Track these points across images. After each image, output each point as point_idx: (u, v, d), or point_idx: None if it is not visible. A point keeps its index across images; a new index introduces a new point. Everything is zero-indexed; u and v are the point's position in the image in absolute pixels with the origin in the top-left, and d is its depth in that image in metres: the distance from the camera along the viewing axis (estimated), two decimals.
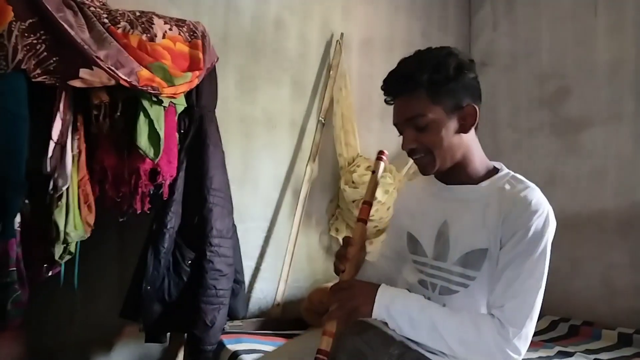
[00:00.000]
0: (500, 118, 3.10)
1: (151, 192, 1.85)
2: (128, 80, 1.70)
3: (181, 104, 1.94)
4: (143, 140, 1.77)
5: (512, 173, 1.20)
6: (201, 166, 1.95)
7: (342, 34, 2.76)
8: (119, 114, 1.79)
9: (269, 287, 2.48)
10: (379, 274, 1.34)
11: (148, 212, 1.86)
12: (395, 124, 1.20)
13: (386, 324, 1.09)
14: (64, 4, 1.67)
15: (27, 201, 1.66)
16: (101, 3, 1.88)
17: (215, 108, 2.10)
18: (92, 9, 1.75)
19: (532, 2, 2.93)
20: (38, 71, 1.62)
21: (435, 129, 1.13)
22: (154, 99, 1.80)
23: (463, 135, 1.16)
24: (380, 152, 1.34)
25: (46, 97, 1.71)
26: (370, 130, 2.86)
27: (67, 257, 1.76)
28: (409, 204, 1.33)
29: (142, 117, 1.78)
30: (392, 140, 1.69)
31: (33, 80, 1.60)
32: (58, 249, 1.71)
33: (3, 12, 1.54)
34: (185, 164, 1.95)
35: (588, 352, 2.05)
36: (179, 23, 1.99)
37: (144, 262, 1.84)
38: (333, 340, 1.08)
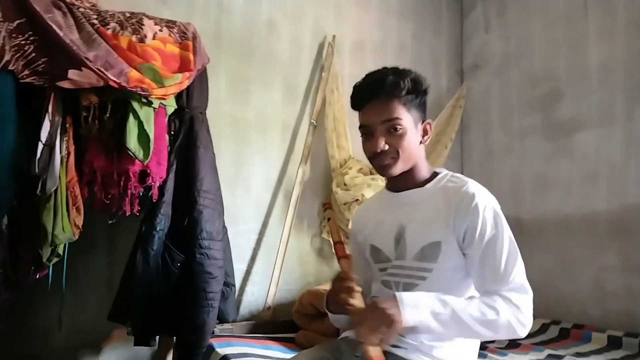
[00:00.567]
0: (491, 120, 3.10)
1: (141, 194, 1.84)
2: (117, 81, 1.69)
3: (171, 106, 1.93)
4: (132, 142, 1.76)
5: (451, 173, 1.34)
6: (191, 168, 1.94)
7: (334, 36, 2.76)
8: (108, 115, 1.78)
9: (259, 290, 2.46)
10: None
11: (137, 214, 1.85)
12: (366, 126, 1.28)
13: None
14: (53, 4, 1.67)
15: (15, 202, 1.65)
16: (91, 4, 1.87)
17: (206, 110, 2.09)
18: (81, 9, 1.75)
19: (523, 5, 2.94)
20: (26, 72, 1.61)
21: (405, 134, 1.25)
22: (144, 100, 1.80)
23: (420, 145, 1.31)
24: (326, 204, 1.47)
25: (35, 98, 1.70)
26: None
27: (55, 260, 1.75)
28: (366, 220, 1.44)
29: (131, 119, 1.77)
30: None
31: (21, 81, 1.59)
32: (46, 251, 1.69)
33: None
34: (175, 165, 1.94)
35: (578, 355, 2.05)
36: (170, 24, 1.99)
37: (133, 264, 1.82)
38: None
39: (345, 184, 2.56)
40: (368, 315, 1.10)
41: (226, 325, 2.15)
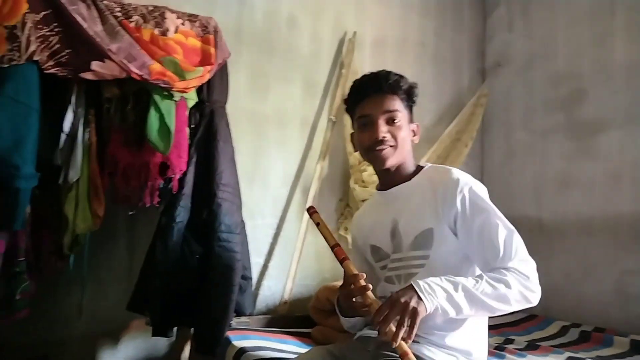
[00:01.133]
0: (513, 120, 3.06)
1: (161, 186, 1.86)
2: (139, 73, 1.71)
3: (192, 99, 1.94)
4: (153, 134, 1.78)
5: (432, 164, 1.43)
6: (211, 161, 1.95)
7: (354, 33, 2.74)
8: (130, 107, 1.81)
9: (276, 285, 2.47)
10: None
11: (157, 205, 1.86)
12: (367, 115, 1.35)
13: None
14: None
15: (37, 192, 1.67)
16: None
17: (226, 104, 2.10)
18: (105, 2, 1.77)
19: (548, 2, 2.89)
20: (51, 63, 1.63)
21: (402, 127, 1.35)
22: (165, 93, 1.82)
23: (410, 143, 1.40)
24: (310, 208, 1.46)
25: (58, 89, 1.72)
26: None
27: (76, 249, 1.77)
28: (363, 224, 1.52)
29: (153, 111, 1.79)
30: None
31: (45, 72, 1.62)
32: (67, 241, 1.72)
33: (17, 3, 1.56)
34: (195, 158, 1.95)
35: (599, 358, 2.01)
36: (192, 18, 2.00)
37: (152, 255, 1.84)
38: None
39: (363, 181, 2.55)
40: (389, 311, 1.09)
41: (243, 318, 2.15)
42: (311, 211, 1.43)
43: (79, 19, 1.64)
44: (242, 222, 2.06)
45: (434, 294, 1.11)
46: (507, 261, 1.21)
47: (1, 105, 1.52)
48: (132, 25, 1.79)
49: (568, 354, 2.05)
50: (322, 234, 1.36)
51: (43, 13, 1.61)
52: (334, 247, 1.31)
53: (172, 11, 1.94)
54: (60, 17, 1.63)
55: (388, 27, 2.95)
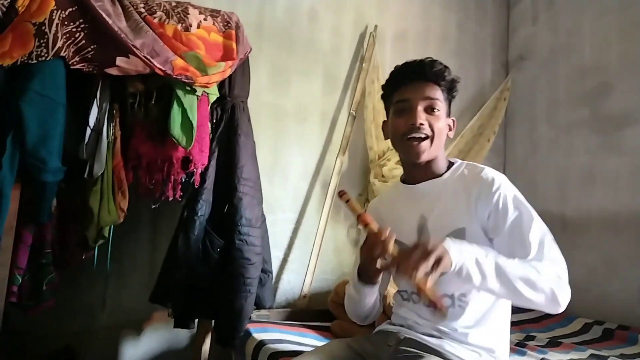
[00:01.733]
0: (537, 114, 3.01)
1: (183, 180, 1.88)
2: (163, 68, 1.72)
3: (214, 94, 1.95)
4: (176, 129, 1.80)
5: (465, 162, 1.37)
6: (232, 155, 1.97)
7: (375, 26, 2.73)
8: (153, 102, 1.83)
9: (296, 279, 2.49)
10: None
11: (180, 199, 1.88)
12: (406, 100, 1.30)
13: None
14: None
15: (63, 185, 1.71)
16: None
17: (247, 98, 2.11)
18: None
19: None
20: (77, 59, 1.66)
21: (441, 117, 1.30)
22: (188, 88, 1.83)
23: (445, 137, 1.34)
24: (341, 192, 1.39)
25: (84, 84, 1.75)
26: None
27: (101, 241, 1.81)
28: (382, 216, 1.41)
29: (175, 106, 1.81)
30: None
31: (71, 67, 1.64)
32: (92, 233, 1.76)
33: (45, 1, 1.59)
34: (217, 153, 1.97)
35: (623, 357, 1.98)
36: (214, 13, 2.01)
37: (175, 248, 1.87)
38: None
39: (383, 176, 2.54)
40: (414, 252, 1.06)
41: (263, 312, 2.18)
42: (341, 193, 1.37)
43: (104, 15, 1.66)
44: (263, 216, 2.08)
45: (461, 253, 1.09)
46: (538, 260, 1.17)
47: (29, 100, 1.55)
48: (155, 21, 1.81)
49: (590, 351, 2.02)
50: (350, 208, 1.29)
51: (69, 10, 1.63)
52: (360, 216, 1.25)
53: (195, 7, 1.96)
54: (86, 14, 1.65)
55: (410, 20, 2.92)
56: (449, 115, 1.35)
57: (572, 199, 2.74)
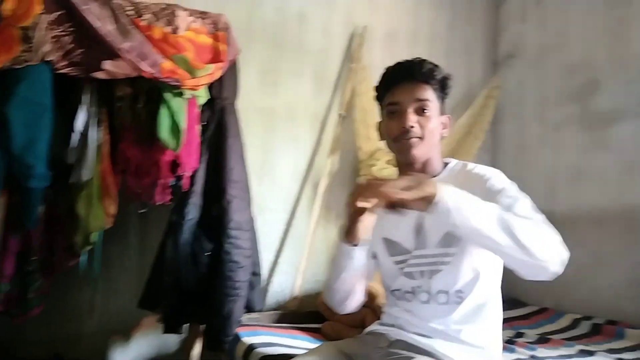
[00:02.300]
0: (526, 112, 3.03)
1: (172, 183, 1.87)
2: (151, 71, 1.71)
3: (203, 96, 1.94)
4: (164, 132, 1.79)
5: (460, 161, 1.36)
6: (221, 158, 1.96)
7: (365, 27, 2.72)
8: (141, 105, 1.81)
9: (286, 280, 2.49)
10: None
11: (168, 203, 1.88)
12: (396, 103, 1.30)
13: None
14: None
15: (50, 191, 1.69)
16: None
17: (236, 101, 2.10)
18: (117, 1, 1.77)
19: None
20: (64, 63, 1.63)
21: (432, 118, 1.29)
22: (176, 90, 1.81)
23: (439, 137, 1.33)
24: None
25: (71, 88, 1.74)
26: None
27: (89, 247, 1.79)
28: (380, 212, 1.34)
29: (163, 109, 1.79)
30: None
31: (58, 71, 1.63)
32: (79, 239, 1.74)
33: (32, 4, 1.56)
34: (206, 156, 1.96)
35: (611, 351, 2.00)
36: (202, 15, 1.99)
37: (163, 252, 1.87)
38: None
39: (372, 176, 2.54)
40: (407, 176, 1.09)
41: (253, 315, 2.17)
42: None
43: (91, 18, 1.64)
44: (252, 218, 2.07)
45: (451, 190, 1.07)
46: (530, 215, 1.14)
47: (15, 105, 1.53)
48: (143, 23, 1.79)
49: (579, 346, 2.05)
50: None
51: (56, 13, 1.61)
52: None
53: (183, 9, 1.94)
54: (73, 17, 1.63)
55: (399, 20, 2.92)
56: (443, 113, 1.34)
57: (561, 196, 2.76)
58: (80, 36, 1.65)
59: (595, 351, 1.98)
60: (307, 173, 2.59)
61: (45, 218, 1.70)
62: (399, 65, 1.33)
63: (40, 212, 1.66)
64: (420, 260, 1.30)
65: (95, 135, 1.77)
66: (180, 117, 1.82)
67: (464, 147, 2.97)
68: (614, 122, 2.52)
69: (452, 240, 1.25)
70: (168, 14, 1.88)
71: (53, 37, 1.61)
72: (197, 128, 1.94)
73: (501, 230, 1.05)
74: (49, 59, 1.60)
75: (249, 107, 2.35)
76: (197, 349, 2.05)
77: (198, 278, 1.89)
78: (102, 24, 1.68)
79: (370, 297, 2.03)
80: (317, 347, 1.42)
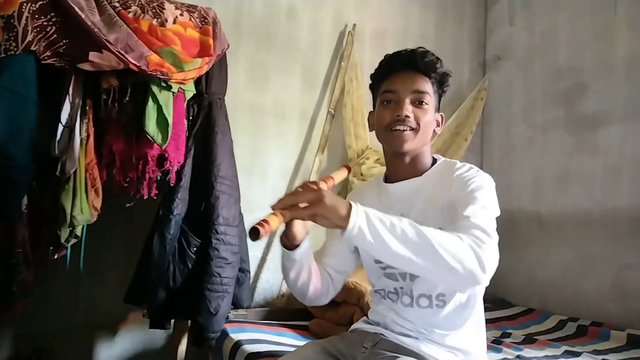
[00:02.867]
0: (514, 113, 3.05)
1: (158, 178, 1.85)
2: (137, 64, 1.69)
3: (190, 90, 1.93)
4: (151, 126, 1.77)
5: (447, 159, 1.32)
6: (209, 153, 1.94)
7: (354, 25, 2.73)
8: (127, 98, 1.79)
9: (274, 277, 2.47)
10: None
11: (155, 198, 1.85)
12: (393, 91, 1.25)
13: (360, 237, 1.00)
14: None
15: (34, 183, 1.66)
16: None
17: (224, 95, 2.09)
18: None
19: None
20: (48, 53, 1.61)
21: (429, 111, 1.25)
22: (163, 84, 1.80)
23: (432, 133, 1.29)
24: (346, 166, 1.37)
25: (55, 79, 1.71)
26: None
27: (73, 241, 1.76)
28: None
29: (150, 103, 1.78)
30: None
31: (43, 62, 1.60)
32: (64, 232, 1.71)
33: None
34: (193, 150, 1.94)
35: (596, 352, 2.01)
36: (190, 9, 1.98)
37: (150, 248, 1.84)
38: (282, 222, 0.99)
39: (362, 174, 2.54)
40: (317, 190, 1.00)
41: (240, 311, 2.16)
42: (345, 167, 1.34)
43: (76, 9, 1.62)
44: (241, 214, 2.06)
45: (367, 212, 1.00)
46: (464, 220, 1.08)
47: None
48: (130, 15, 1.77)
49: (565, 347, 2.06)
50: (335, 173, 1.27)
51: (40, 3, 1.59)
52: (328, 177, 1.22)
53: (171, 2, 1.93)
54: (58, 7, 1.61)
55: (388, 19, 2.93)
56: (438, 110, 1.30)
57: (547, 198, 2.78)
58: (65, 26, 1.63)
59: (581, 352, 1.98)
60: (296, 171, 2.59)
61: (30, 211, 1.66)
62: (401, 54, 1.28)
63: (24, 204, 1.63)
64: None
65: (81, 128, 1.74)
66: (168, 110, 1.81)
67: (453, 147, 2.98)
68: (600, 125, 2.54)
69: None
70: (155, 7, 1.86)
71: (36, 27, 1.59)
72: (185, 122, 1.93)
73: (419, 254, 0.99)
74: (32, 49, 1.57)
75: (238, 103, 2.34)
76: (183, 344, 2.03)
77: (185, 273, 1.87)
78: (87, 14, 1.66)
79: (359, 295, 2.03)
80: (302, 346, 1.40)
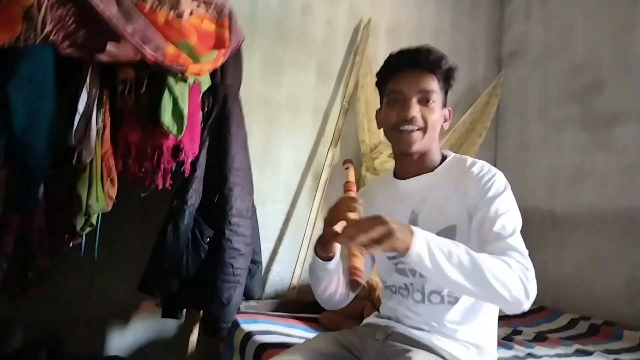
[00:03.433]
0: (528, 110, 3.03)
1: (173, 168, 1.86)
2: (154, 55, 1.70)
3: (206, 82, 1.94)
4: (167, 117, 1.78)
5: (458, 155, 1.33)
6: (223, 145, 1.95)
7: (369, 20, 2.72)
8: (144, 90, 1.80)
9: (285, 270, 2.48)
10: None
11: (169, 188, 1.87)
12: (399, 91, 1.26)
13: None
14: None
15: (51, 172, 1.69)
16: None
17: (239, 88, 2.09)
18: None
19: None
20: (66, 43, 1.62)
21: (436, 109, 1.26)
22: (179, 76, 1.80)
23: (440, 129, 1.30)
24: (347, 160, 1.38)
25: (73, 69, 1.72)
26: None
27: (89, 229, 1.78)
28: (377, 205, 1.36)
29: (166, 94, 1.78)
30: None
31: (61, 52, 1.62)
32: (80, 220, 1.73)
33: None
34: (208, 142, 1.95)
35: (608, 352, 2.00)
36: (207, 1, 1.98)
37: (164, 237, 1.85)
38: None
39: (375, 169, 2.54)
40: (365, 220, 1.02)
41: (251, 302, 2.18)
42: (346, 162, 1.35)
43: (94, 0, 1.63)
44: (253, 206, 2.07)
45: (428, 238, 1.03)
46: (500, 240, 1.10)
47: (16, 85, 1.52)
48: (147, 7, 1.78)
49: (576, 346, 2.04)
50: (345, 175, 1.28)
51: None
52: (347, 183, 1.22)
53: None
54: None
55: (403, 14, 2.92)
56: (445, 105, 1.31)
57: (562, 196, 2.76)
58: (83, 17, 1.64)
59: (593, 351, 1.97)
60: (309, 164, 2.59)
61: (46, 199, 1.69)
62: (405, 52, 1.28)
63: (40, 192, 1.65)
64: None
65: (97, 118, 1.76)
66: (183, 102, 1.81)
67: (467, 143, 2.97)
68: (616, 123, 2.51)
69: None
70: None
71: (55, 17, 1.59)
72: (200, 114, 1.93)
73: (472, 282, 1.04)
74: (51, 39, 1.58)
75: (252, 96, 2.35)
76: (195, 334, 2.04)
77: (198, 264, 1.88)
78: (106, 5, 1.66)
79: (370, 289, 2.03)
80: (313, 338, 1.41)
